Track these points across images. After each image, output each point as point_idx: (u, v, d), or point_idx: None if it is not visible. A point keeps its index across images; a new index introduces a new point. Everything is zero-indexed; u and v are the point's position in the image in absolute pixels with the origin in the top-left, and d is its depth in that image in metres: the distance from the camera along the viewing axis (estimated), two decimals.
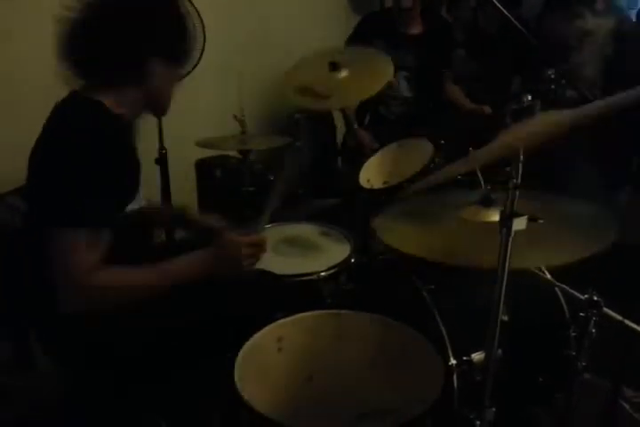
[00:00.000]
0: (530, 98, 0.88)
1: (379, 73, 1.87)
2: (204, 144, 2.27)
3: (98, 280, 1.07)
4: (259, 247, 1.26)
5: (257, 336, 1.23)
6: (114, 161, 1.11)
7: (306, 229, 1.91)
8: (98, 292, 1.09)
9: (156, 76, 1.19)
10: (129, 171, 1.20)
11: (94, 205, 1.08)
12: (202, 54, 2.30)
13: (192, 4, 2.23)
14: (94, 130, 1.12)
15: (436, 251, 1.15)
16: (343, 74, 1.86)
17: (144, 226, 1.60)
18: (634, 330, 1.11)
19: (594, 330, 1.13)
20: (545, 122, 0.87)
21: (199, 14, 2.26)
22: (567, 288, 1.24)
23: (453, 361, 1.33)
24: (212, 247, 1.22)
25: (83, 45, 1.15)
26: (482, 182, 1.63)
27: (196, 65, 2.27)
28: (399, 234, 1.25)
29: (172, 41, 1.20)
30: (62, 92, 1.22)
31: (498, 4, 1.11)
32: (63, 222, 1.06)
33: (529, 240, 1.01)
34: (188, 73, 2.22)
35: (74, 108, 1.18)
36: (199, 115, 2.87)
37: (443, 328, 1.36)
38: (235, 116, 2.17)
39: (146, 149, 2.50)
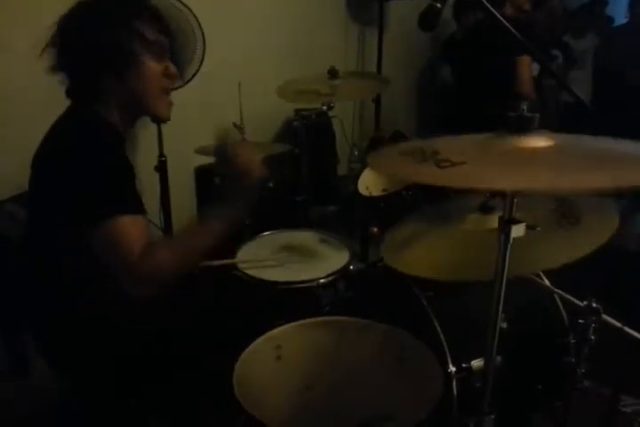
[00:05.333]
0: (525, 107, 0.87)
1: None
2: (203, 151, 2.28)
3: (155, 259, 1.07)
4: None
5: (255, 344, 1.23)
6: (118, 161, 1.14)
7: (305, 237, 1.91)
8: (159, 270, 1.08)
9: (135, 77, 1.19)
10: (130, 173, 1.20)
11: (119, 195, 1.10)
12: (201, 62, 2.32)
13: (193, 14, 2.25)
14: (95, 135, 1.14)
15: (444, 270, 1.16)
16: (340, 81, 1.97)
17: None
18: (633, 337, 1.11)
19: (593, 337, 1.13)
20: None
21: (199, 23, 2.29)
22: (566, 295, 1.24)
23: (452, 368, 1.33)
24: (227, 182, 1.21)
25: (59, 54, 1.17)
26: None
27: (196, 73, 2.29)
28: (406, 259, 1.26)
29: (146, 39, 1.19)
30: (59, 103, 1.23)
31: (492, 9, 1.12)
32: (100, 217, 1.06)
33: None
34: (189, 80, 2.25)
35: (74, 116, 1.20)
36: (199, 122, 2.89)
37: (442, 335, 1.36)
38: (234, 124, 2.18)
39: (145, 156, 2.52)
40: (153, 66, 1.20)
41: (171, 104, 1.29)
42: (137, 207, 1.13)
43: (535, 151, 0.86)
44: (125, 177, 1.14)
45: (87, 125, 1.17)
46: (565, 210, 1.15)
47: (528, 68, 2.64)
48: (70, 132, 1.17)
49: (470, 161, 0.82)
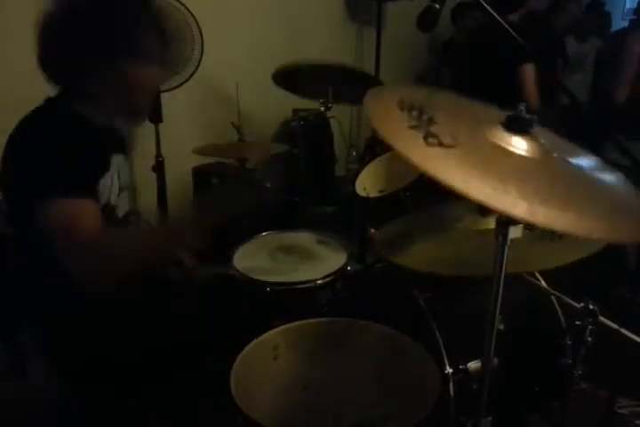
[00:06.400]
0: (524, 108, 0.87)
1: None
2: (201, 152, 2.28)
3: (105, 241, 1.07)
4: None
5: (253, 344, 1.23)
6: (83, 149, 1.14)
7: (302, 238, 1.91)
8: (103, 249, 1.07)
9: (128, 77, 1.19)
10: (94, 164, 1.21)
11: (70, 178, 1.10)
12: (199, 63, 2.32)
13: (191, 14, 2.25)
14: (57, 123, 1.17)
15: (441, 264, 1.15)
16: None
17: None
18: (630, 339, 1.12)
19: (590, 339, 1.13)
20: None
21: (197, 23, 2.29)
22: (563, 297, 1.24)
23: (450, 370, 1.33)
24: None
25: (46, 49, 1.17)
26: None
27: (194, 73, 2.29)
28: (404, 250, 1.26)
29: (144, 41, 1.18)
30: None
31: (492, 11, 1.12)
32: (53, 194, 1.07)
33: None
34: (186, 80, 2.25)
35: (39, 110, 1.22)
36: (196, 122, 2.88)
37: (439, 337, 1.36)
38: (232, 124, 2.18)
39: (143, 156, 2.52)
40: (143, 72, 1.20)
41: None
42: (90, 193, 1.13)
43: (524, 161, 0.84)
44: (86, 164, 1.14)
45: (58, 116, 1.19)
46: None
47: (531, 76, 2.63)
48: (41, 122, 1.18)
49: (459, 147, 0.78)
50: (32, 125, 1.18)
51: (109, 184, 1.24)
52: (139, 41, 1.17)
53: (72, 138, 1.15)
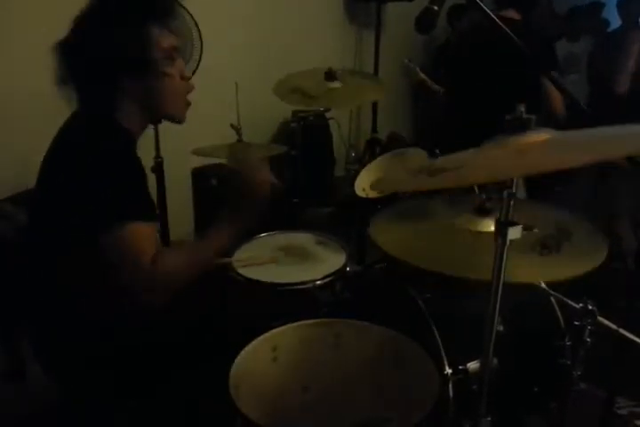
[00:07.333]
0: (523, 109, 0.87)
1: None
2: (200, 153, 2.28)
3: (166, 267, 1.09)
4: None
5: (251, 345, 1.23)
6: (132, 166, 1.15)
7: (302, 238, 1.91)
8: (169, 277, 1.11)
9: (153, 84, 1.19)
10: (143, 178, 1.20)
11: (133, 200, 1.11)
12: (199, 63, 2.32)
13: (190, 15, 2.25)
14: (110, 140, 1.14)
15: (430, 260, 1.16)
16: (336, 84, 2.00)
17: None
18: (628, 339, 1.12)
19: (588, 339, 1.13)
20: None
21: (196, 23, 2.29)
22: (562, 297, 1.24)
23: (449, 370, 1.33)
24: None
25: (72, 67, 1.16)
26: (477, 190, 1.63)
27: (194, 73, 2.28)
28: (396, 238, 1.26)
29: (162, 45, 1.18)
30: (57, 104, 1.22)
31: (487, 10, 1.12)
32: (113, 222, 1.06)
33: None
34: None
35: (80, 126, 1.19)
36: (196, 123, 2.88)
37: (438, 337, 1.36)
38: (231, 125, 2.18)
39: (142, 157, 2.52)
40: (169, 71, 1.20)
41: (188, 104, 1.30)
42: (150, 214, 1.14)
43: (529, 145, 0.87)
44: (139, 182, 1.15)
45: (101, 130, 1.16)
46: (550, 241, 1.15)
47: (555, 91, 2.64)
48: (85, 136, 1.16)
49: (466, 165, 0.82)
50: (82, 143, 1.15)
51: None
52: (161, 47, 1.18)
53: (128, 158, 1.15)
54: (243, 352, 1.20)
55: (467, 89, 2.95)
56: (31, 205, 1.28)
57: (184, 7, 2.23)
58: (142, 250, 1.07)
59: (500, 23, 1.09)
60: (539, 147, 0.86)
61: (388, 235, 1.29)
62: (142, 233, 1.08)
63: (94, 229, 1.06)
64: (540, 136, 0.87)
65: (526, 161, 0.83)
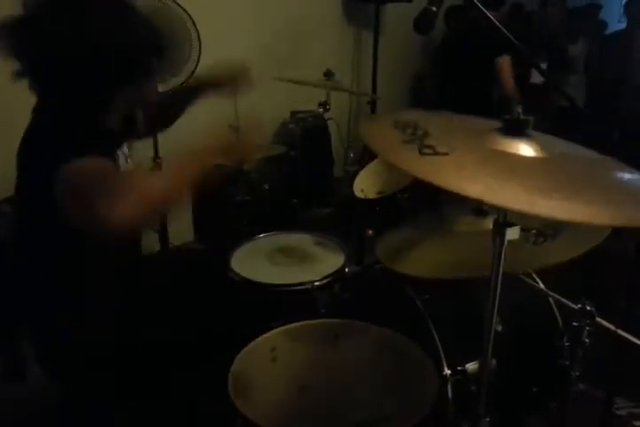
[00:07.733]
0: (520, 110, 0.87)
1: None
2: None
3: (118, 209, 1.03)
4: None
5: (251, 346, 1.23)
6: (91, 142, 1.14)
7: (300, 239, 1.91)
8: (123, 220, 1.03)
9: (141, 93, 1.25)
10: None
11: (85, 144, 1.11)
12: (197, 64, 2.32)
13: (188, 15, 2.25)
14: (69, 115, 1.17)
15: (440, 269, 1.17)
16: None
17: None
18: (627, 339, 1.12)
19: (587, 340, 1.13)
20: None
21: (195, 25, 2.29)
22: (560, 298, 1.24)
23: (448, 371, 1.33)
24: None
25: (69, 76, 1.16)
26: None
27: (192, 74, 2.28)
28: (405, 259, 1.27)
29: (152, 59, 1.23)
30: None
31: (482, 7, 1.12)
32: (64, 161, 1.05)
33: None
34: (184, 82, 2.24)
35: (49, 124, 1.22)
36: (195, 124, 2.88)
37: (437, 338, 1.36)
38: (230, 126, 2.18)
39: (142, 157, 2.51)
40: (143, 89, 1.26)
41: None
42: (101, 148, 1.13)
43: (521, 161, 0.85)
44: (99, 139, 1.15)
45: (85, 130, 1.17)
46: (544, 229, 1.15)
47: (508, 68, 2.68)
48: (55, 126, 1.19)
49: (453, 154, 0.81)
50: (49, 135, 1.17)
51: None
52: (150, 61, 1.23)
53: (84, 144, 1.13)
54: (242, 353, 1.20)
55: (458, 85, 3.00)
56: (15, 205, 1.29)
57: (182, 8, 2.23)
58: (102, 169, 1.06)
59: (497, 23, 1.10)
60: None
61: (400, 258, 1.31)
62: (99, 162, 1.07)
63: (50, 178, 1.05)
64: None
65: None
